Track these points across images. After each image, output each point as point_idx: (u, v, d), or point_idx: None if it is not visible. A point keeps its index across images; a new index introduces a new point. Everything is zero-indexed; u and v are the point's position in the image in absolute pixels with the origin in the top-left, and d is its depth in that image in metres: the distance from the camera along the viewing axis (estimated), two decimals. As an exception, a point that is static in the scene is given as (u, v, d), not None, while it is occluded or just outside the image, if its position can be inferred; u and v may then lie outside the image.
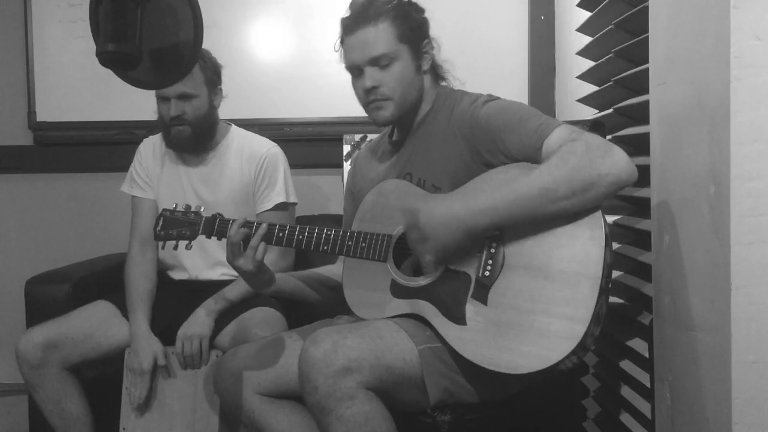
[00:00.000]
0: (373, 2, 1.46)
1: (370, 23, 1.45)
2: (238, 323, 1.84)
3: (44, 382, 1.79)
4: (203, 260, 2.02)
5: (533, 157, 1.33)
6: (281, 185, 2.02)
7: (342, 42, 1.51)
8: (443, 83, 1.57)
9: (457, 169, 1.43)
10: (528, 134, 1.33)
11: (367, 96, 1.49)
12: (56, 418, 1.82)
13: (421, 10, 1.52)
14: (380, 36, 1.45)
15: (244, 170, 2.00)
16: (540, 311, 1.27)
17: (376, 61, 1.46)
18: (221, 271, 2.02)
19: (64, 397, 1.82)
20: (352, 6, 1.49)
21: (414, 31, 1.48)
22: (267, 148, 2.03)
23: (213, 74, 1.99)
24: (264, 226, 1.45)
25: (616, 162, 1.24)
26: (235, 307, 1.89)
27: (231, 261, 1.46)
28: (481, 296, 1.33)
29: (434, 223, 1.30)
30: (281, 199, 2.01)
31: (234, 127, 2.08)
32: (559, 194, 1.24)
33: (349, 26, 1.48)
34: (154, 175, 2.04)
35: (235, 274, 1.95)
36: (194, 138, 1.95)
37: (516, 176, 1.31)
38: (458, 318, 1.34)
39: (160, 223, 1.52)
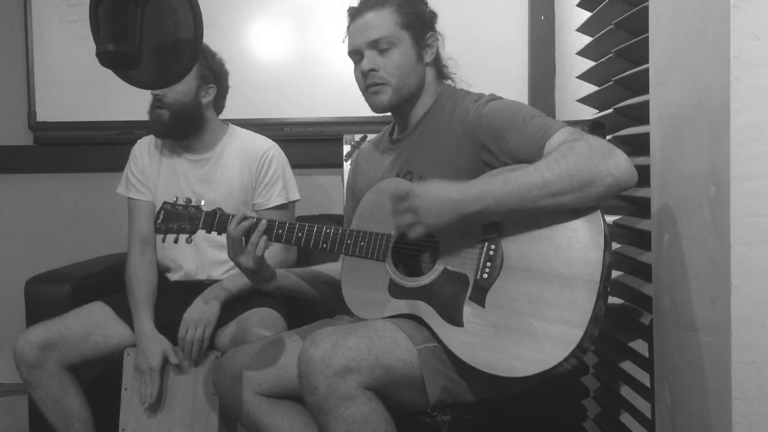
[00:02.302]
0: None
1: (375, 8, 1.48)
2: (237, 324, 1.84)
3: (43, 382, 1.79)
4: (199, 260, 2.02)
5: (535, 158, 1.33)
6: (281, 185, 2.02)
7: (348, 29, 1.53)
8: (447, 81, 1.57)
9: (458, 167, 1.42)
10: (530, 135, 1.33)
11: (366, 79, 1.49)
12: (56, 417, 1.82)
13: (427, 4, 1.55)
14: (382, 20, 1.47)
15: (244, 169, 2.00)
16: (538, 314, 1.26)
17: (376, 44, 1.47)
18: (219, 270, 2.02)
19: (63, 397, 1.81)
20: None
21: (419, 20, 1.50)
22: (268, 146, 2.03)
23: (208, 70, 1.98)
24: (264, 222, 1.45)
25: (617, 163, 1.24)
26: (234, 307, 1.88)
27: (232, 257, 1.46)
28: (479, 298, 1.33)
29: (428, 204, 1.29)
30: (282, 200, 2.02)
31: (232, 126, 2.08)
32: (557, 189, 1.24)
33: (354, 13, 1.51)
34: (151, 176, 2.03)
35: (232, 273, 1.97)
36: (172, 124, 1.94)
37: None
38: (456, 320, 1.34)
39: (161, 216, 1.52)
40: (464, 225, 1.31)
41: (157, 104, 1.93)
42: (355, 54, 1.51)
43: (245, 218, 1.45)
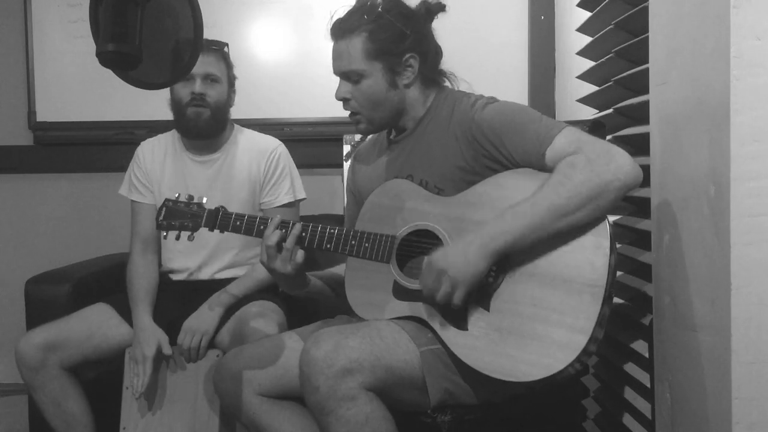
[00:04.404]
0: (351, 16, 1.45)
1: (344, 37, 1.45)
2: (236, 318, 1.85)
3: (44, 384, 1.79)
4: (198, 260, 2.02)
5: (536, 163, 1.33)
6: (289, 184, 2.03)
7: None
8: (445, 83, 1.56)
9: (458, 170, 1.42)
10: (530, 140, 1.33)
11: (343, 106, 1.51)
12: (57, 419, 1.82)
13: (411, 22, 1.45)
14: (350, 52, 1.44)
15: (252, 168, 2.01)
16: (542, 319, 1.26)
17: (346, 76, 1.48)
18: (221, 271, 2.02)
19: (64, 398, 1.81)
20: (333, 17, 1.48)
21: (393, 47, 1.44)
22: (275, 145, 2.05)
23: (233, 77, 2.04)
24: (299, 226, 1.44)
25: (620, 167, 1.24)
26: (235, 303, 1.89)
27: (266, 264, 1.44)
28: (484, 302, 1.33)
29: (453, 262, 1.28)
30: (289, 199, 2.03)
31: (237, 126, 2.09)
32: (569, 209, 1.25)
33: (330, 36, 1.49)
34: (154, 179, 2.03)
35: (232, 273, 1.97)
36: (212, 122, 1.95)
37: (523, 188, 1.30)
38: (460, 323, 1.34)
39: (163, 212, 1.51)
40: (490, 264, 1.29)
41: (198, 102, 1.92)
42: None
43: (281, 224, 1.44)
